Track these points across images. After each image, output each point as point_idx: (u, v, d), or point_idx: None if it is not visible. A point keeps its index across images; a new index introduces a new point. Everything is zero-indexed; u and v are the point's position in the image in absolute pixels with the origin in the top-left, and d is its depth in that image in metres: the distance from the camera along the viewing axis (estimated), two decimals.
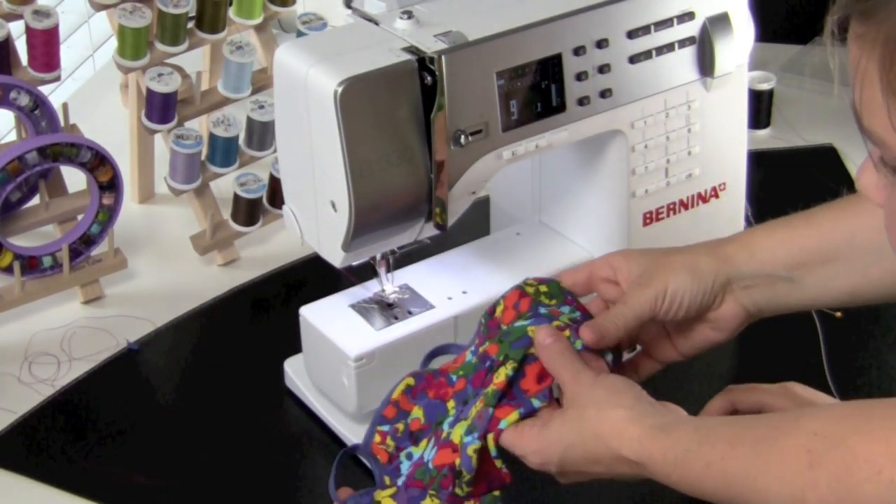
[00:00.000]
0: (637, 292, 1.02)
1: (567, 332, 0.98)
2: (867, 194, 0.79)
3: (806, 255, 1.04)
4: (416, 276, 1.26)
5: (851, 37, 0.72)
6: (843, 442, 0.79)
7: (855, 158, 1.67)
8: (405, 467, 1.00)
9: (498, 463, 0.96)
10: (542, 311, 1.02)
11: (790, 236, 1.05)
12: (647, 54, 1.19)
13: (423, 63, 1.07)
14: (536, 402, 0.97)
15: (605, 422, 0.91)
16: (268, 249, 1.55)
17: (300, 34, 1.51)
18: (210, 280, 1.50)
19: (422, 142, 1.09)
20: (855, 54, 0.72)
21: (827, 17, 0.74)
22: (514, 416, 0.96)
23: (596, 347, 0.98)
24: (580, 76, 1.15)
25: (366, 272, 1.25)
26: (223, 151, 1.52)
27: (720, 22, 1.22)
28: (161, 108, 1.48)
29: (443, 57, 1.07)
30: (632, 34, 1.18)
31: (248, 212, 1.52)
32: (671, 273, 1.03)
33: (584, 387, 0.94)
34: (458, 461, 0.96)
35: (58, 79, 1.47)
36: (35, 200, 1.49)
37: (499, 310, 1.04)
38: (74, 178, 1.48)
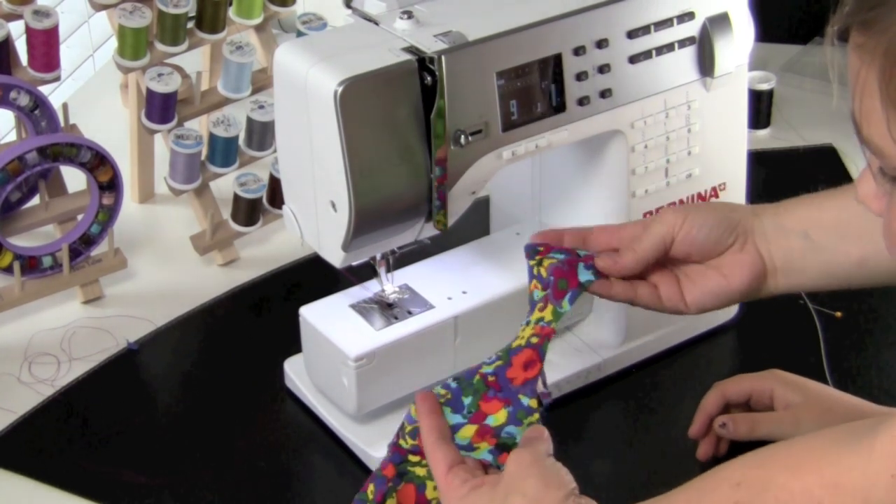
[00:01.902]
0: (657, 217, 1.05)
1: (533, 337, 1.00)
2: (866, 204, 0.79)
3: (824, 219, 1.06)
4: (416, 276, 1.26)
5: (852, 46, 0.72)
6: (772, 482, 0.78)
7: (855, 158, 1.67)
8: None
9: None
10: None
11: (813, 201, 1.08)
12: (646, 54, 1.19)
13: (423, 63, 1.07)
14: (525, 400, 0.97)
15: None
16: (268, 249, 1.55)
17: (300, 34, 1.51)
18: (210, 280, 1.50)
19: (422, 142, 1.09)
20: (855, 64, 0.72)
21: (828, 25, 0.74)
22: (503, 415, 0.97)
23: (609, 272, 1.02)
24: (580, 76, 1.15)
25: (366, 272, 1.25)
26: (223, 151, 1.52)
27: (720, 22, 1.22)
28: (161, 108, 1.48)
29: (443, 57, 1.07)
30: (632, 34, 1.18)
31: (248, 212, 1.52)
32: (692, 208, 1.06)
33: (522, 465, 0.92)
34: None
35: (58, 79, 1.47)
36: (35, 200, 1.49)
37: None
38: (74, 178, 1.48)
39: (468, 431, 0.99)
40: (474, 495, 0.93)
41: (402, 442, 1.00)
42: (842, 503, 0.75)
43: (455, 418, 0.99)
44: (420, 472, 1.01)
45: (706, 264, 1.07)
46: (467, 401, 0.99)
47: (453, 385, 1.01)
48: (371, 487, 1.01)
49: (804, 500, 0.76)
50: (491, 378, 1.00)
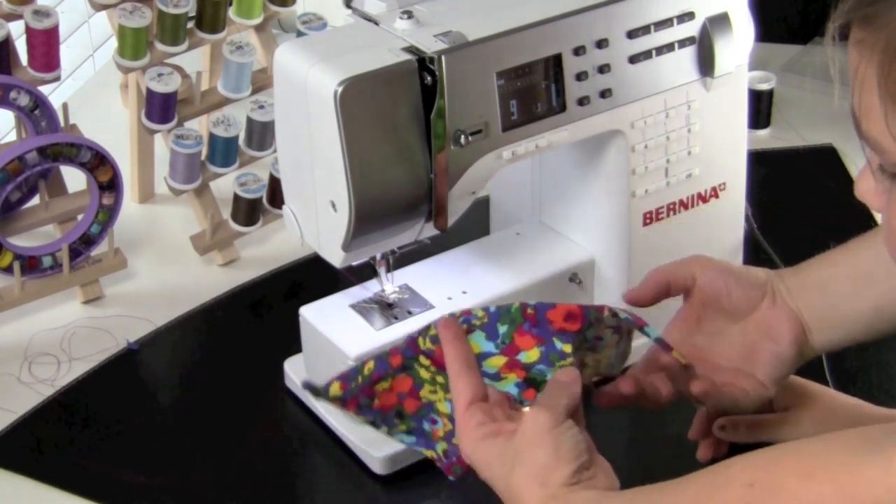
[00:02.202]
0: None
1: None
2: (866, 200, 0.79)
3: (837, 273, 1.06)
4: (416, 276, 1.26)
5: (852, 42, 0.72)
6: (783, 488, 0.77)
7: (855, 158, 1.67)
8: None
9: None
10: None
11: (826, 258, 1.08)
12: (647, 54, 1.19)
13: (423, 63, 1.07)
14: (558, 343, 0.95)
15: (529, 494, 0.89)
16: (268, 249, 1.55)
17: (300, 34, 1.51)
18: (210, 280, 1.50)
19: (422, 142, 1.09)
20: (855, 60, 0.72)
21: (829, 22, 0.74)
22: (535, 353, 0.95)
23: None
24: (580, 76, 1.15)
25: (366, 272, 1.25)
26: (223, 151, 1.52)
27: (720, 22, 1.22)
28: (161, 108, 1.48)
29: (443, 57, 1.07)
30: (632, 34, 1.18)
31: (248, 212, 1.52)
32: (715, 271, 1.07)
33: (537, 429, 0.90)
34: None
35: (58, 79, 1.47)
36: (35, 200, 1.49)
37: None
38: (74, 178, 1.48)
39: (498, 361, 0.96)
40: (486, 445, 0.92)
41: (420, 340, 0.97)
42: None
43: (487, 346, 0.96)
44: (424, 374, 0.99)
45: (743, 330, 1.06)
46: (502, 329, 0.96)
47: (492, 309, 0.97)
48: (371, 365, 0.99)
49: None
50: (530, 311, 0.96)
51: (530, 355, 0.96)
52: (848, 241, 1.09)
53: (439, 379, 0.99)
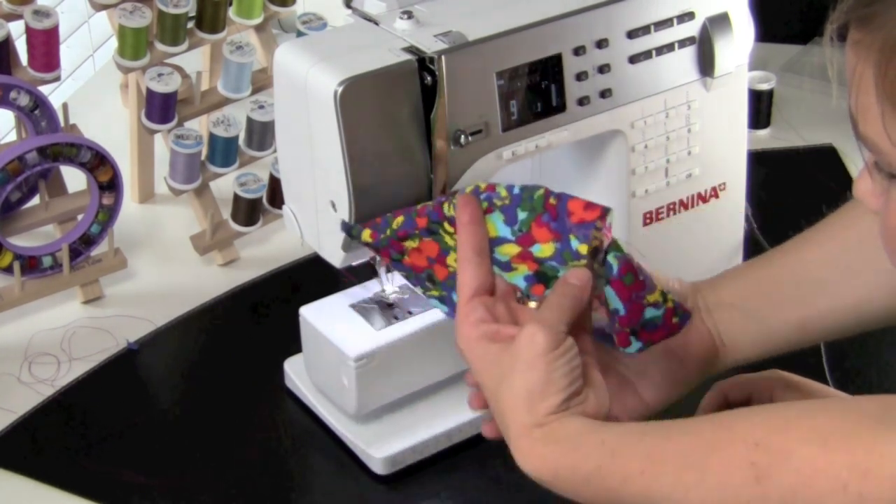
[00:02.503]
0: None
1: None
2: (864, 201, 0.79)
3: (757, 287, 1.03)
4: None
5: (849, 43, 0.72)
6: (795, 453, 0.74)
7: (855, 158, 1.67)
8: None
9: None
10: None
11: (745, 272, 1.05)
12: (647, 54, 1.19)
13: (423, 63, 1.07)
14: (574, 242, 0.91)
15: (515, 418, 0.87)
16: (268, 249, 1.55)
17: (300, 34, 1.51)
18: (210, 280, 1.50)
19: (422, 142, 1.09)
20: (852, 60, 0.72)
21: (827, 23, 0.74)
22: (550, 249, 0.92)
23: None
24: (580, 76, 1.15)
25: (366, 272, 1.25)
26: (223, 151, 1.52)
27: (720, 22, 1.22)
28: (161, 108, 1.48)
29: (443, 57, 1.07)
30: (632, 34, 1.18)
31: (248, 212, 1.52)
32: None
33: (533, 351, 0.87)
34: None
35: (58, 79, 1.47)
36: (35, 200, 1.49)
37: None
38: (74, 178, 1.48)
39: (511, 249, 0.93)
40: (481, 347, 0.89)
41: (446, 206, 0.94)
42: (869, 490, 0.71)
43: (504, 230, 0.93)
44: (450, 241, 0.96)
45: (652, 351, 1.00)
46: (522, 216, 0.93)
47: (515, 191, 0.93)
48: (400, 220, 0.97)
49: (827, 479, 0.72)
50: (552, 200, 0.93)
51: (545, 249, 0.93)
52: (766, 253, 1.06)
53: None
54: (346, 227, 1.02)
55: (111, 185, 1.44)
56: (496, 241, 0.93)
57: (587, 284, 0.91)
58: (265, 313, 1.44)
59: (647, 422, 0.85)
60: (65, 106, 1.48)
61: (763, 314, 1.02)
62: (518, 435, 0.87)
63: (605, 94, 1.18)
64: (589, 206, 0.92)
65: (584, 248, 0.91)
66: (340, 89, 1.04)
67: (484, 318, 0.90)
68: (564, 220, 0.92)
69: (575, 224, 0.92)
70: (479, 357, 0.90)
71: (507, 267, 0.93)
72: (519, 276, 0.93)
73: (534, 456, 0.86)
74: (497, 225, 0.93)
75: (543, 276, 0.94)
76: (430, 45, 1.08)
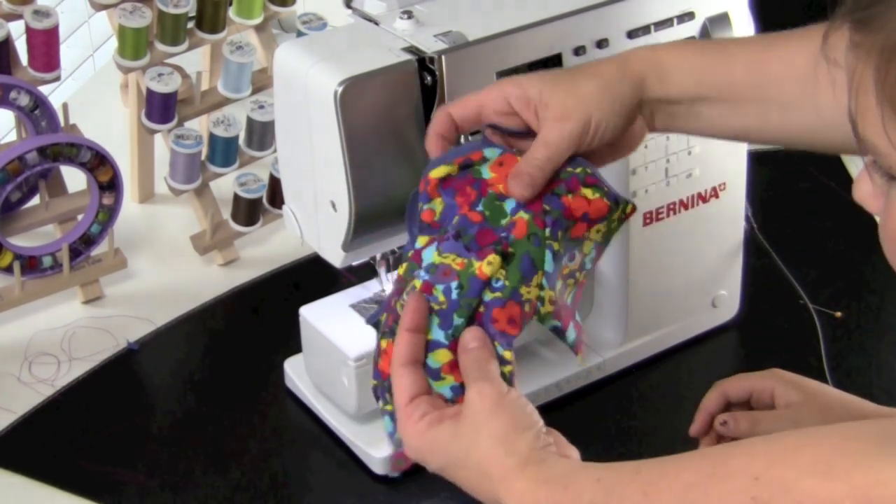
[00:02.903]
0: (557, 127, 0.95)
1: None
2: (864, 203, 0.79)
3: (712, 90, 1.01)
4: None
5: (849, 45, 0.72)
6: (795, 485, 0.73)
7: (855, 159, 1.67)
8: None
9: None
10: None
11: (701, 67, 1.02)
12: None
13: (423, 63, 1.07)
14: (499, 348, 0.92)
15: (495, 464, 0.86)
16: (268, 249, 1.55)
17: (300, 34, 1.51)
18: (210, 280, 1.50)
19: (422, 142, 1.09)
20: (851, 62, 0.72)
21: (826, 24, 0.74)
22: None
23: (527, 200, 0.93)
24: None
25: (366, 272, 1.25)
26: (223, 151, 1.52)
27: (720, 22, 1.22)
28: (161, 108, 1.48)
29: (443, 57, 1.07)
30: (632, 34, 1.18)
31: (248, 212, 1.52)
32: (591, 103, 0.96)
33: (486, 403, 0.88)
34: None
35: (58, 79, 1.47)
36: (35, 200, 1.49)
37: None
38: (74, 178, 1.48)
39: (443, 357, 0.93)
40: (434, 431, 0.89)
41: (396, 304, 0.94)
42: None
43: (438, 334, 0.93)
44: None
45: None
46: (458, 321, 0.92)
47: (453, 296, 0.93)
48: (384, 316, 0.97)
49: None
50: (481, 309, 0.93)
51: None
52: (728, 43, 1.05)
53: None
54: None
55: (111, 185, 1.44)
56: (431, 345, 0.93)
57: (484, 340, 0.92)
58: (265, 313, 1.44)
59: (642, 460, 0.83)
60: (65, 106, 1.48)
61: (709, 116, 1.01)
62: (505, 478, 0.86)
63: None
64: (511, 321, 0.93)
65: (508, 354, 0.92)
66: (340, 89, 1.04)
67: (427, 411, 0.90)
68: (490, 327, 0.92)
69: (498, 332, 0.92)
70: (435, 441, 0.89)
71: (436, 375, 0.93)
72: (446, 387, 0.93)
73: (528, 498, 0.85)
74: (434, 329, 0.93)
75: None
76: (430, 45, 1.08)
